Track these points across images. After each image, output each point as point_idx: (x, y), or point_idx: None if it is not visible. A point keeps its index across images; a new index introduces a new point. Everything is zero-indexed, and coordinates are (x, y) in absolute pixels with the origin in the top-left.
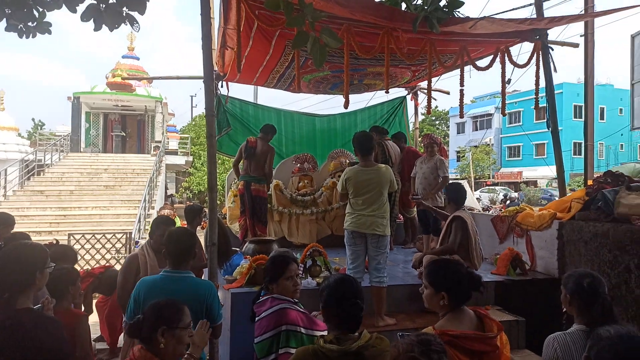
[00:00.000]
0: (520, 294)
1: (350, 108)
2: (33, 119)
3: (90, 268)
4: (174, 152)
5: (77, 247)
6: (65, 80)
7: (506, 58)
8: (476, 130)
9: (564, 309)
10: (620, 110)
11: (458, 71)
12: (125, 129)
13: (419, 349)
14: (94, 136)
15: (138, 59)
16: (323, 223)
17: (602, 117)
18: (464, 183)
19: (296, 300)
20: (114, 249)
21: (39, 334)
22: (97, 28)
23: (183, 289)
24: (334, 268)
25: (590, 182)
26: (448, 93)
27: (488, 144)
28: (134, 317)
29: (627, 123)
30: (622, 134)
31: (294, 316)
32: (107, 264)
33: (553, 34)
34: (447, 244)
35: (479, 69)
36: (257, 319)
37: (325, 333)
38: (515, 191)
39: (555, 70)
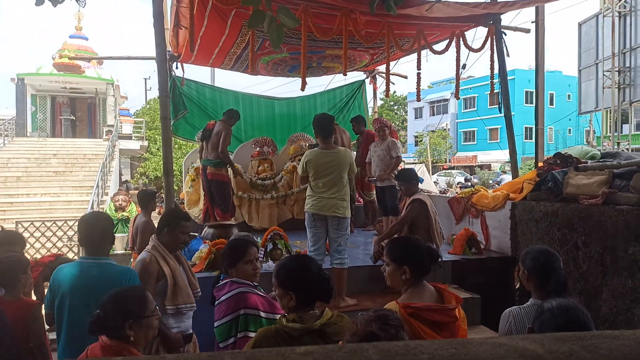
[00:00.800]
0: (476, 272)
1: (310, 92)
2: None
3: (39, 257)
4: (127, 137)
5: (26, 235)
6: (6, 61)
7: (461, 42)
8: (433, 115)
9: (517, 286)
10: (569, 96)
11: (415, 55)
12: (75, 113)
13: (377, 324)
14: (42, 120)
15: (87, 39)
16: (284, 207)
17: (551, 103)
18: (422, 167)
19: (256, 284)
20: (66, 236)
21: None
22: (39, 2)
23: (99, 276)
24: (295, 251)
25: (540, 164)
26: (406, 77)
27: (444, 129)
28: (51, 306)
29: (574, 108)
30: (570, 119)
31: (253, 300)
32: (58, 252)
33: (506, 19)
34: (396, 223)
35: (435, 52)
36: (216, 303)
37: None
38: (471, 174)
39: (508, 54)
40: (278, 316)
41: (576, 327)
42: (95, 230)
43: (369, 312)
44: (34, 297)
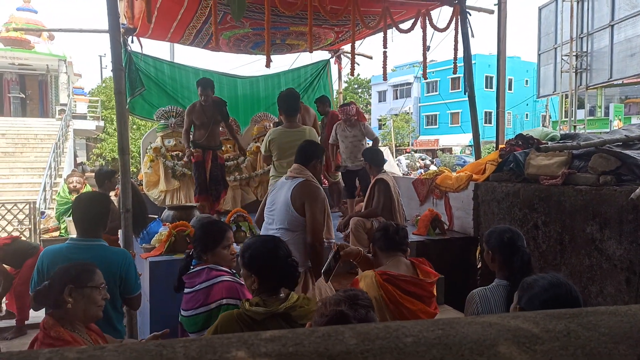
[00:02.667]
0: (439, 252)
1: (273, 70)
2: None
3: None
4: (82, 117)
5: None
6: None
7: (427, 22)
8: (396, 99)
9: (479, 265)
10: (526, 81)
11: (380, 37)
12: (25, 91)
13: (346, 304)
14: None
15: (36, 12)
16: (247, 189)
17: (510, 88)
18: (386, 150)
19: (234, 271)
20: (16, 220)
21: None
22: None
23: (91, 258)
24: (259, 234)
25: (502, 146)
26: (371, 57)
27: (407, 113)
28: (37, 287)
29: (532, 93)
30: (527, 104)
31: (235, 289)
32: (14, 235)
33: (470, 1)
34: (371, 208)
35: (401, 31)
36: (189, 290)
37: None
38: (433, 158)
39: (472, 35)
40: None
41: (568, 301)
42: (91, 211)
43: (338, 292)
44: None
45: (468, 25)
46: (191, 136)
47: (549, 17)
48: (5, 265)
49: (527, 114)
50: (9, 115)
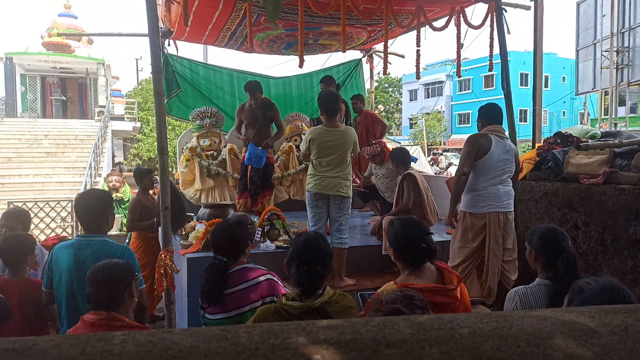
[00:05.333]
0: None
1: (306, 70)
2: None
3: (41, 240)
4: (120, 118)
5: None
6: None
7: (461, 19)
8: (428, 97)
9: None
10: (563, 78)
11: (412, 35)
12: (66, 93)
13: (403, 302)
14: (32, 100)
15: (76, 17)
16: (280, 188)
17: (546, 85)
18: (418, 149)
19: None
20: (59, 217)
21: None
22: None
23: (93, 253)
24: (293, 231)
25: (538, 145)
26: (403, 56)
27: (439, 111)
28: (50, 284)
29: (569, 91)
30: (564, 102)
31: (275, 286)
32: (62, 235)
33: None
34: (401, 204)
35: (435, 29)
36: (231, 291)
37: None
38: None
39: (508, 32)
40: None
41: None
42: (89, 208)
43: (394, 291)
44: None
45: (504, 21)
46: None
47: (587, 12)
48: None
49: (564, 112)
50: (51, 116)
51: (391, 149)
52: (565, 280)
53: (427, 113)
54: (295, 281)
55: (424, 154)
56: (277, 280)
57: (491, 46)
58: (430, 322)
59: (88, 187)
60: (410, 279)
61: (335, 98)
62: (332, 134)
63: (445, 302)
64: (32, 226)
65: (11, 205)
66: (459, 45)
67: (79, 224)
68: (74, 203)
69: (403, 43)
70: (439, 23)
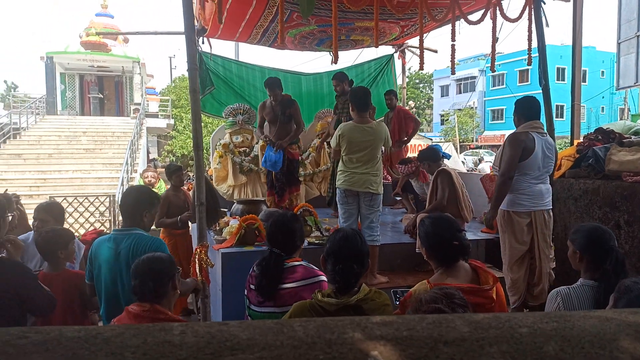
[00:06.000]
0: None
1: (337, 67)
2: (5, 81)
3: (81, 234)
4: (154, 115)
5: None
6: (35, 40)
7: (497, 12)
8: (460, 93)
9: (552, 266)
10: (602, 72)
11: (444, 30)
12: (103, 91)
13: (444, 301)
14: (71, 98)
15: (112, 17)
16: (311, 184)
17: (584, 80)
18: (450, 146)
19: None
20: (98, 212)
21: (2, 277)
22: None
23: (128, 245)
24: (325, 228)
25: (577, 141)
26: (436, 51)
27: (472, 107)
28: (91, 277)
29: (608, 85)
30: (603, 97)
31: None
32: (101, 229)
33: None
34: (435, 201)
35: (470, 23)
36: (287, 287)
37: None
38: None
39: (547, 24)
40: None
41: None
42: (127, 202)
43: (433, 289)
44: None
45: (542, 14)
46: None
47: (630, 3)
48: None
49: (602, 107)
50: (89, 114)
51: (420, 151)
52: (613, 282)
53: (459, 109)
54: (331, 278)
55: (456, 151)
56: (325, 280)
57: (529, 39)
58: (487, 320)
59: (125, 183)
60: (444, 278)
61: (366, 93)
62: (362, 131)
63: (480, 302)
64: (71, 220)
65: (52, 200)
66: (494, 39)
67: (116, 219)
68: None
69: (435, 38)
70: (474, 17)
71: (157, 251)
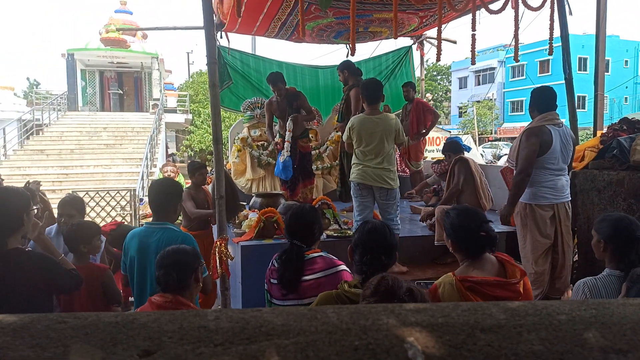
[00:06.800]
0: None
1: (355, 59)
2: (28, 78)
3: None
4: (172, 110)
5: None
6: (56, 37)
7: (519, 1)
8: (479, 85)
9: (575, 258)
10: (626, 62)
11: (463, 21)
12: (122, 87)
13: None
14: (91, 94)
15: (131, 13)
16: (329, 177)
17: (607, 70)
18: (469, 138)
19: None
20: (119, 206)
21: (27, 268)
22: None
23: (158, 240)
24: (343, 221)
25: (601, 132)
26: (455, 42)
27: (491, 99)
28: (125, 267)
29: (632, 75)
30: (626, 87)
31: (349, 275)
32: (119, 221)
33: None
34: (451, 187)
35: (491, 12)
36: (309, 278)
37: None
38: None
39: (570, 13)
40: None
41: None
42: (157, 196)
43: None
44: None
45: (566, 2)
46: (276, 127)
47: None
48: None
49: (626, 98)
50: (109, 110)
51: (446, 142)
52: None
53: (478, 101)
54: (358, 268)
55: (475, 144)
56: (349, 272)
57: (551, 28)
58: (524, 308)
59: (145, 178)
60: (470, 271)
61: (378, 86)
62: (372, 121)
63: (507, 296)
64: (93, 214)
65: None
66: (517, 28)
67: (137, 212)
68: (147, 191)
69: (454, 29)
70: (495, 6)
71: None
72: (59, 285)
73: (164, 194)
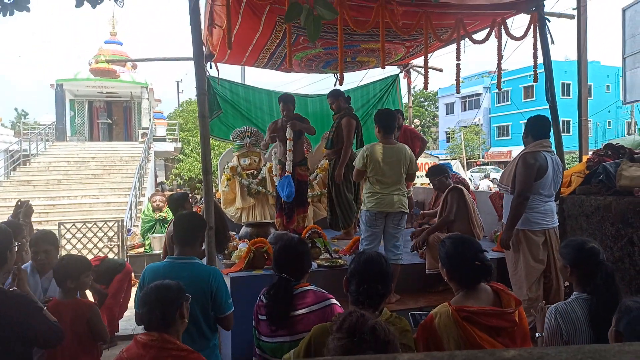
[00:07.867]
0: None
1: (343, 88)
2: (16, 109)
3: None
4: (162, 139)
5: (68, 236)
6: (45, 68)
7: (502, 31)
8: (465, 110)
9: (565, 284)
10: (608, 87)
11: (448, 49)
12: (111, 116)
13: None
14: (80, 124)
15: (121, 44)
16: (319, 205)
17: (590, 94)
18: (457, 163)
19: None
20: (106, 237)
21: (6, 310)
22: (79, 4)
23: (185, 276)
24: (334, 249)
25: (585, 157)
26: (441, 70)
27: (477, 124)
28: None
29: (614, 100)
30: (609, 111)
31: (339, 309)
32: (103, 255)
33: (547, 6)
34: (444, 215)
35: (475, 42)
36: (298, 313)
37: None
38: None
39: (552, 42)
40: None
41: None
42: (185, 230)
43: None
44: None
45: (547, 32)
46: (275, 152)
47: (634, 18)
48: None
49: (609, 122)
50: (97, 139)
51: (429, 169)
52: (605, 295)
53: (465, 126)
54: (354, 299)
55: (464, 169)
56: (339, 306)
57: (535, 57)
58: (519, 357)
59: (133, 208)
60: (465, 300)
61: (392, 116)
62: (389, 150)
63: (503, 326)
64: (80, 246)
65: (61, 226)
66: (500, 57)
67: (124, 244)
68: (173, 224)
69: (440, 57)
70: (479, 36)
71: (217, 282)
72: (40, 338)
73: (191, 228)
